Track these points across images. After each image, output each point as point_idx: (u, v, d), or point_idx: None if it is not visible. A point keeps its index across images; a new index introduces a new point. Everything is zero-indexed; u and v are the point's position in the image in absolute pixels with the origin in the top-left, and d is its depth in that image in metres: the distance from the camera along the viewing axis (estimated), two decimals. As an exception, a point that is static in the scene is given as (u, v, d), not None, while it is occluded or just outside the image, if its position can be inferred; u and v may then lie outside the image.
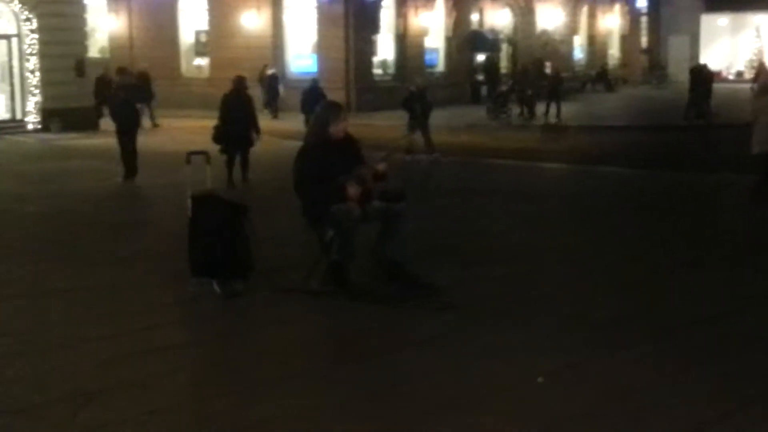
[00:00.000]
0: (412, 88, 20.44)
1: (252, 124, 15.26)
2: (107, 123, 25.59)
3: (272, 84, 30.41)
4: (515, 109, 29.22)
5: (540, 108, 29.00)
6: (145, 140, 23.52)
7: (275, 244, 9.64)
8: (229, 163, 14.91)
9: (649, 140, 23.99)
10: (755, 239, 10.94)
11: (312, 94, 22.46)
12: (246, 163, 15.32)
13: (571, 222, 12.37)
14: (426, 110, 19.93)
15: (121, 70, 17.57)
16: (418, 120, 19.63)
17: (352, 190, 7.88)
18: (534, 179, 16.77)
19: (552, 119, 28.45)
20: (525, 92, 29.72)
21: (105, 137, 23.72)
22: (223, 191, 14.17)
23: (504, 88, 30.92)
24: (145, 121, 26.38)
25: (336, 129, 8.14)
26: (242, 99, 15.34)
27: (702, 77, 27.64)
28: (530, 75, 31.77)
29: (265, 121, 19.28)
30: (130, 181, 15.86)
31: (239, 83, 15.56)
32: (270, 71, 30.77)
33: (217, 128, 15.05)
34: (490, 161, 19.11)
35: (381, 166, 8.14)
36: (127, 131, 16.07)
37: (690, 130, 25.35)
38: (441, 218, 11.97)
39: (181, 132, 25.00)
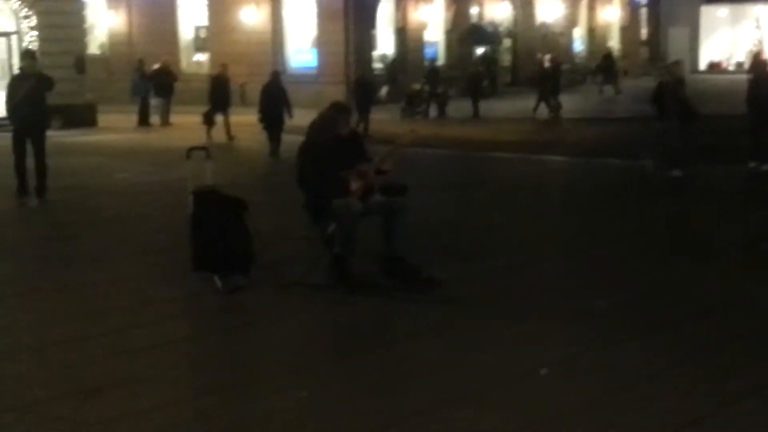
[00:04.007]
0: (666, 78, 15.13)
1: (286, 109, 19.17)
2: (108, 119, 25.90)
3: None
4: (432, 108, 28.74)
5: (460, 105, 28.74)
6: (154, 137, 23.65)
7: (279, 237, 9.62)
8: (270, 139, 18.92)
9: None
10: (744, 231, 10.86)
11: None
12: (278, 141, 18.77)
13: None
14: (684, 107, 14.57)
15: (28, 54, 14.32)
16: (673, 123, 14.40)
17: (354, 184, 7.92)
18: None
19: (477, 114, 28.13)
20: (436, 91, 29.17)
21: (104, 134, 23.80)
22: (267, 160, 18.30)
23: (417, 86, 29.88)
24: (155, 119, 26.31)
25: (344, 129, 8.31)
26: (278, 88, 19.41)
27: (548, 73, 27.71)
28: (441, 74, 30.81)
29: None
30: (33, 199, 13.09)
31: (276, 76, 19.98)
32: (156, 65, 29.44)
33: (260, 111, 19.31)
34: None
35: (386, 166, 8.23)
36: (27, 136, 13.02)
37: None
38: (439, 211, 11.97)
39: (190, 130, 24.77)
